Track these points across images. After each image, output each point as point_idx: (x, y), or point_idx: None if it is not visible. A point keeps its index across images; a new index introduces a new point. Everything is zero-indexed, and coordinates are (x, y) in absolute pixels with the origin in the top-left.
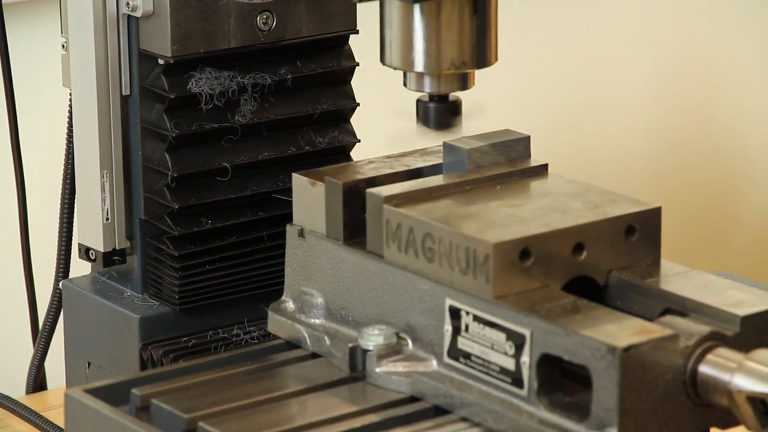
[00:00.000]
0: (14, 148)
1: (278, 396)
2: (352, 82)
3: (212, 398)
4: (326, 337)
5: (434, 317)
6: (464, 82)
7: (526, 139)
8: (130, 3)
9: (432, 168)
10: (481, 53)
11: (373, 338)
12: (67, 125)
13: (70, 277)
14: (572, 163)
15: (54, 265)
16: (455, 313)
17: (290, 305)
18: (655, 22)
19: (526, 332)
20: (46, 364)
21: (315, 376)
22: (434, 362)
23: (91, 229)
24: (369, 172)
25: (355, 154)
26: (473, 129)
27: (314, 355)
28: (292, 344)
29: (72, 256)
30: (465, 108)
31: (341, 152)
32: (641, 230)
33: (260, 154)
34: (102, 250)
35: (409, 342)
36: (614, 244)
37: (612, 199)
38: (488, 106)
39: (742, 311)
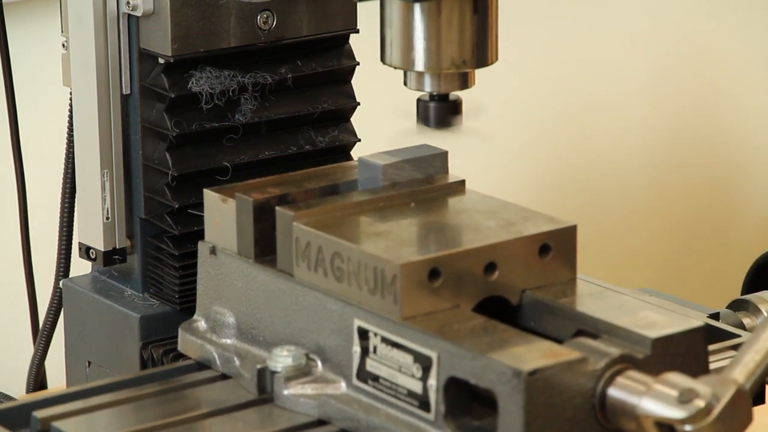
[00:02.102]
0: (14, 147)
1: (183, 419)
2: (352, 82)
3: (115, 421)
4: (236, 358)
5: (343, 338)
6: (464, 82)
7: (444, 155)
8: (131, 2)
9: (347, 184)
10: (482, 52)
11: (281, 360)
12: (67, 124)
13: (70, 276)
14: (571, 162)
15: (54, 264)
16: (364, 335)
17: (202, 324)
18: (655, 22)
19: (433, 355)
20: (47, 363)
21: (223, 398)
22: (343, 384)
23: (92, 228)
24: (281, 189)
25: (356, 153)
26: (473, 128)
27: (224, 377)
28: (203, 365)
29: (72, 255)
30: (465, 107)
31: (341, 151)
32: (556, 249)
33: (261, 153)
34: (102, 249)
35: (319, 363)
36: (528, 264)
37: (527, 216)
38: (488, 105)
39: (654, 333)
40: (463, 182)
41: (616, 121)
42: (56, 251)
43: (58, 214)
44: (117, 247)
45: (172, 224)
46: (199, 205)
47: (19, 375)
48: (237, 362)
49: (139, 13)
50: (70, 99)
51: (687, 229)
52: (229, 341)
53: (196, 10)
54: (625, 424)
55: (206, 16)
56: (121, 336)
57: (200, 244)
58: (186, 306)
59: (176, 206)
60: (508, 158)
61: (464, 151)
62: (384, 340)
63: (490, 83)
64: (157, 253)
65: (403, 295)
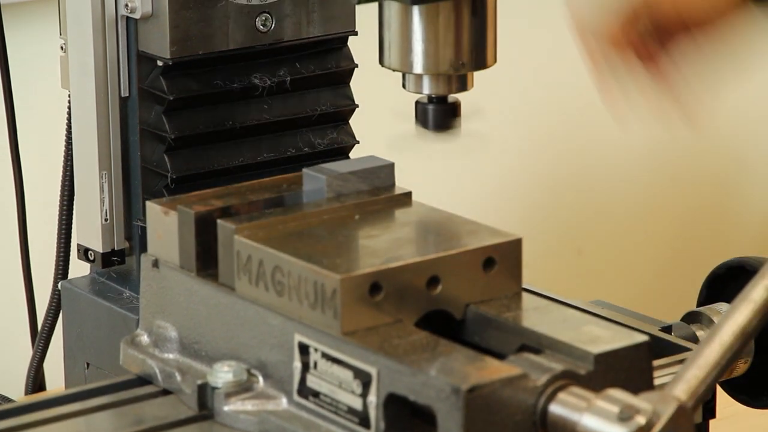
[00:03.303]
0: (13, 149)
1: None
2: (351, 84)
3: None
4: (177, 373)
5: (284, 353)
6: (463, 84)
7: (390, 167)
8: (129, 4)
9: (292, 196)
10: (480, 55)
11: (222, 375)
12: (66, 126)
13: (69, 277)
14: (570, 163)
15: (53, 265)
16: (304, 350)
17: (145, 339)
18: None
19: (373, 371)
20: (45, 364)
21: (163, 414)
22: (284, 400)
23: (90, 229)
24: (224, 201)
25: (355, 155)
26: (472, 130)
27: (165, 392)
28: (145, 380)
29: (71, 256)
30: (464, 109)
31: (340, 153)
32: (501, 262)
33: (259, 155)
34: (101, 251)
35: (260, 379)
36: (472, 277)
37: (472, 229)
38: (487, 107)
39: (597, 348)
40: (409, 194)
41: (615, 122)
42: (55, 253)
43: (57, 216)
44: (115, 248)
45: None
46: None
47: (17, 377)
48: (178, 377)
49: (137, 15)
50: (69, 101)
51: (686, 230)
52: (171, 356)
53: (194, 13)
54: None
55: (205, 19)
56: (120, 337)
57: (143, 257)
58: None
59: None
60: (506, 160)
61: (463, 154)
62: (324, 355)
63: (488, 85)
64: None
65: (343, 309)
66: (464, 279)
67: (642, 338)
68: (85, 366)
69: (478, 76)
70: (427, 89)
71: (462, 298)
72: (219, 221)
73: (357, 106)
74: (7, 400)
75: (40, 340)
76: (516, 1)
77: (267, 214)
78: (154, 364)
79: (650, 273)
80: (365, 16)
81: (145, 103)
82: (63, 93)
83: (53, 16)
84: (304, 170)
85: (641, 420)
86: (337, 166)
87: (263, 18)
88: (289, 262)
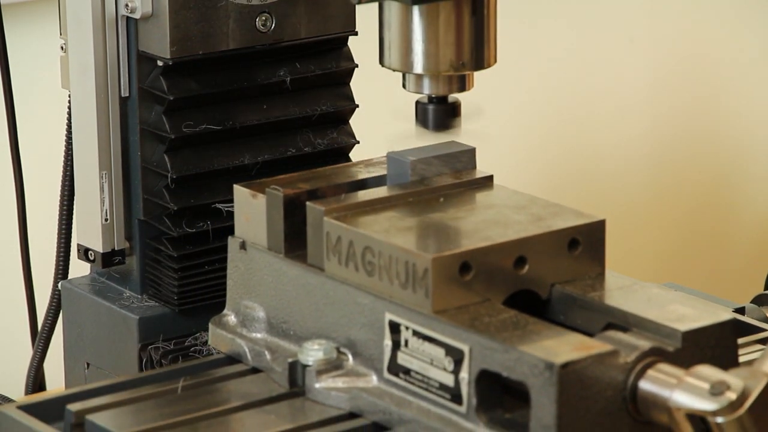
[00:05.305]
0: (13, 149)
1: (215, 412)
2: (351, 84)
3: (148, 414)
4: (267, 352)
5: (374, 332)
6: (463, 84)
7: (472, 151)
8: (129, 5)
9: (376, 179)
10: (480, 55)
11: (312, 353)
12: (66, 126)
13: (69, 277)
14: (571, 162)
15: (53, 265)
16: (395, 328)
17: (232, 319)
18: (655, 22)
19: (465, 348)
20: (46, 364)
21: (254, 391)
22: (374, 377)
23: (90, 229)
24: (311, 184)
25: (355, 155)
26: (472, 130)
27: (255, 370)
28: (234, 359)
29: (71, 256)
30: (464, 109)
31: (340, 153)
32: (585, 243)
33: (259, 155)
34: (101, 251)
35: (350, 357)
36: (557, 258)
37: (556, 211)
38: (487, 107)
39: (684, 326)
40: (491, 177)
41: (615, 121)
42: (55, 252)
43: (57, 216)
44: (116, 248)
45: (171, 226)
46: (198, 207)
47: (18, 377)
48: (268, 356)
49: (137, 15)
50: (69, 101)
51: (686, 229)
52: (259, 335)
53: (194, 13)
54: (656, 417)
55: (205, 19)
56: (120, 337)
57: (230, 240)
58: (184, 307)
59: (175, 208)
60: (506, 160)
61: None
62: (415, 333)
63: (488, 85)
64: (155, 254)
65: (434, 288)
66: (550, 259)
67: (727, 316)
68: (85, 366)
69: (478, 76)
70: (427, 89)
71: (548, 278)
72: (308, 203)
73: (357, 106)
74: (7, 400)
75: (40, 340)
76: (516, 1)
77: (354, 196)
78: (243, 343)
79: (651, 273)
80: (365, 16)
81: (145, 103)
82: (63, 93)
83: (53, 16)
84: (389, 154)
85: (732, 395)
86: (420, 151)
87: (263, 18)
88: (379, 243)
